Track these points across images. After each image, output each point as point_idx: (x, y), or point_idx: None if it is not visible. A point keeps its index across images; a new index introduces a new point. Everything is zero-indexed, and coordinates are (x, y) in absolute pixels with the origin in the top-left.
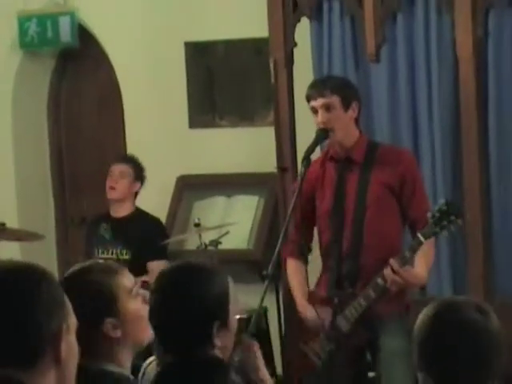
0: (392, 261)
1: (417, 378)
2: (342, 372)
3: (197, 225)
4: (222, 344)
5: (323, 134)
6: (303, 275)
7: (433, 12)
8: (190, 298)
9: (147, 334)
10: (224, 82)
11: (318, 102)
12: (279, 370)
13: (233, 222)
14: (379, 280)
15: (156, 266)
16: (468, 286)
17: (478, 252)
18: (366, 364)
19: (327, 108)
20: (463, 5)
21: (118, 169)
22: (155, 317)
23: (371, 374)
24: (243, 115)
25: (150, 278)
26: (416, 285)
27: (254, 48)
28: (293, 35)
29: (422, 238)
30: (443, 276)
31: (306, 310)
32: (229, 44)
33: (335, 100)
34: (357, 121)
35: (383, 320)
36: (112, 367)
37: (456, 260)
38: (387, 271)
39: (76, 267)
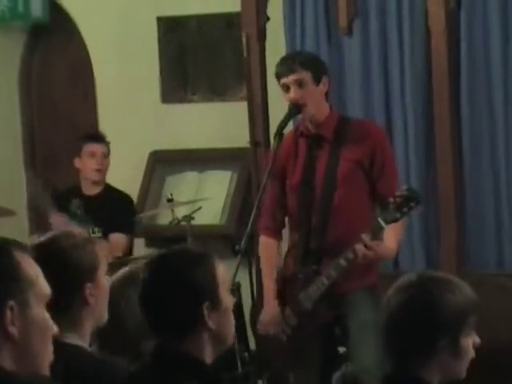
0: (364, 236)
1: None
2: (310, 347)
3: (169, 200)
4: (216, 325)
5: (296, 109)
6: (274, 255)
7: None
8: (177, 282)
9: (106, 313)
10: (196, 56)
11: (289, 79)
12: (252, 345)
13: (205, 197)
14: (341, 260)
15: (115, 238)
16: (441, 260)
17: (451, 226)
18: (336, 339)
19: (299, 84)
20: None
21: (100, 149)
22: (145, 302)
23: (341, 350)
24: (216, 90)
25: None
26: (386, 258)
27: (227, 23)
28: (265, 10)
29: (382, 223)
30: (416, 250)
31: (268, 306)
32: (201, 19)
33: (306, 75)
34: (327, 95)
35: (349, 295)
36: (71, 339)
37: (428, 234)
38: (359, 246)
39: (53, 233)
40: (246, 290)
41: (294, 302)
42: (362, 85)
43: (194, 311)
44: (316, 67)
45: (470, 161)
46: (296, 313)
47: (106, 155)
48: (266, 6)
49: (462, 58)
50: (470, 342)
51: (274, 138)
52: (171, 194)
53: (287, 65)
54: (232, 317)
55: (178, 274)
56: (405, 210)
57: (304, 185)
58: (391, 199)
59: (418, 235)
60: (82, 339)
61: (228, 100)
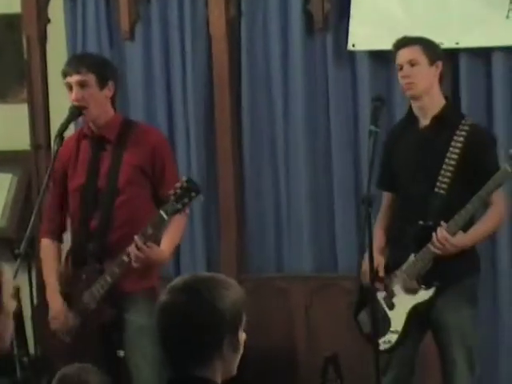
0: (136, 238)
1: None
2: (90, 350)
3: None
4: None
5: (76, 112)
6: (56, 257)
7: None
8: None
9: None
10: None
11: (73, 79)
12: (32, 349)
13: None
14: (124, 257)
15: None
16: (221, 264)
17: (231, 231)
18: (115, 342)
19: (82, 85)
20: None
21: None
22: None
23: (121, 353)
24: None
25: None
26: (158, 262)
27: (7, 24)
28: (46, 11)
29: (164, 215)
30: (197, 254)
31: (53, 300)
32: None
33: (91, 78)
34: (113, 100)
35: (131, 297)
36: None
37: (210, 238)
38: (131, 248)
39: None
40: (26, 295)
41: (78, 303)
42: (144, 89)
43: None
44: (102, 71)
45: (250, 167)
46: (80, 314)
47: None
48: (46, 8)
49: (243, 63)
50: (243, 336)
51: (55, 140)
52: None
53: (73, 65)
54: (11, 320)
55: None
56: (186, 200)
57: (87, 188)
58: (172, 191)
59: (199, 239)
60: None
61: (9, 102)
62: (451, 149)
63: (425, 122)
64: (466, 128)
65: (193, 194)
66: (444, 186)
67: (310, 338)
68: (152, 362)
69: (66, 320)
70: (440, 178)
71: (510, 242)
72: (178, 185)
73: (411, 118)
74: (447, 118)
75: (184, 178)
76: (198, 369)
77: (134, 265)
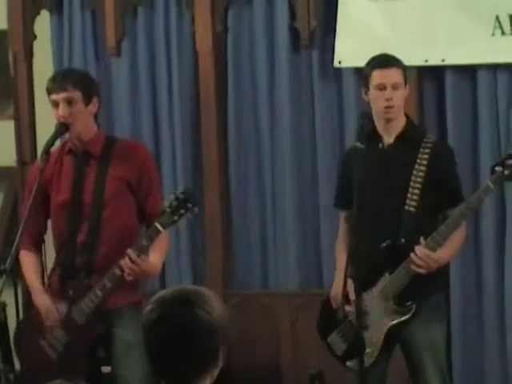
0: (129, 251)
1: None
2: (76, 366)
3: None
4: None
5: (63, 128)
6: (37, 266)
7: (173, 6)
8: None
9: None
10: None
11: (59, 96)
12: (18, 365)
13: None
14: (116, 270)
15: None
16: (207, 280)
17: (217, 247)
18: (100, 359)
19: (69, 102)
20: (203, 1)
21: None
22: None
23: (106, 369)
24: None
25: None
26: (151, 275)
27: None
28: (32, 28)
29: (160, 227)
30: (183, 270)
31: (41, 299)
32: None
33: (77, 95)
34: (96, 116)
35: (118, 312)
36: None
37: (195, 254)
38: (124, 261)
39: None
40: (12, 311)
41: (65, 319)
42: (130, 105)
43: None
44: (88, 87)
45: (236, 183)
46: (68, 329)
47: None
48: (33, 24)
49: (229, 79)
50: None
51: (41, 156)
52: None
53: (59, 82)
54: None
55: None
56: (182, 211)
57: (72, 202)
58: (167, 203)
59: (185, 255)
60: None
61: None
62: (417, 166)
63: (388, 140)
64: (430, 145)
65: (189, 205)
66: (413, 203)
67: (295, 355)
68: (141, 376)
69: (57, 313)
70: (409, 195)
71: (495, 256)
72: (174, 196)
73: (373, 136)
74: (410, 136)
75: (180, 189)
76: (195, 380)
77: (128, 278)
